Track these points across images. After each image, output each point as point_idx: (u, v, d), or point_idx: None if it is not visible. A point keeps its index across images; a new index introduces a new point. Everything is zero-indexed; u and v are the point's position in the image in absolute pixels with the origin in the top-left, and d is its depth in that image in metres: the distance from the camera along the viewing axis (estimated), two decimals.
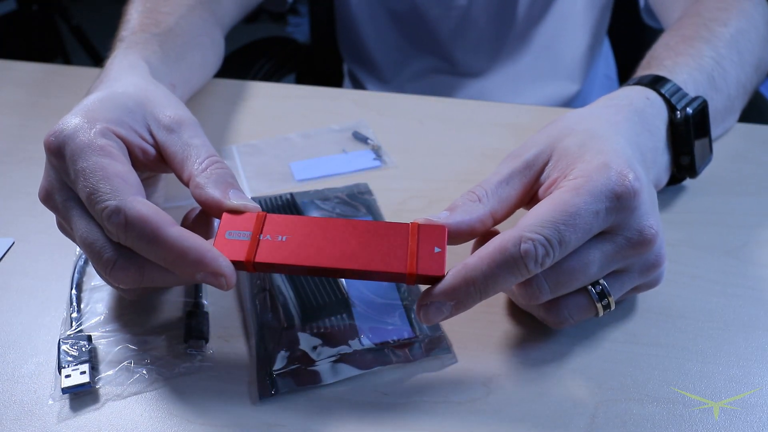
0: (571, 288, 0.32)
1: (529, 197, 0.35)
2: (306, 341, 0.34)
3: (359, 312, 0.36)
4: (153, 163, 0.36)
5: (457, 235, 0.33)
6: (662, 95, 0.42)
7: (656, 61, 0.46)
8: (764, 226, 0.44)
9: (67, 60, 2.04)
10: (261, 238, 0.32)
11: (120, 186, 0.31)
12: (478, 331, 0.36)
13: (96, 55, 1.88)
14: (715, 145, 0.52)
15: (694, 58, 0.46)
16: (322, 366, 0.33)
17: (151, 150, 0.35)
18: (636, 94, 0.41)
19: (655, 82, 0.43)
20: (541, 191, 0.34)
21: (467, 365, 0.34)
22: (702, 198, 0.46)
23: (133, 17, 0.51)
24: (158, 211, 0.30)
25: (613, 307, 0.33)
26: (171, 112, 0.37)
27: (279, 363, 0.33)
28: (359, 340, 0.35)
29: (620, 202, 0.31)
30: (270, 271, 0.32)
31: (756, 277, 0.39)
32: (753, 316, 0.37)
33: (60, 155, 0.32)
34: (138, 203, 0.30)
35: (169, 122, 0.36)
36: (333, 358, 0.34)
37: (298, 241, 0.32)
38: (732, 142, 0.52)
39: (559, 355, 0.34)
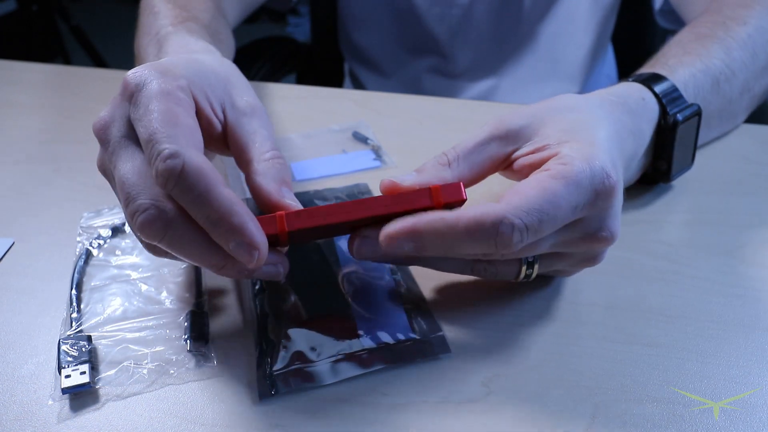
0: (518, 256, 0.33)
1: (503, 166, 0.36)
2: (306, 341, 0.34)
3: (359, 312, 0.36)
4: (213, 139, 0.36)
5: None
6: (657, 96, 0.42)
7: (663, 58, 0.46)
8: (764, 226, 0.44)
9: (67, 60, 2.04)
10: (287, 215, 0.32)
11: (186, 136, 0.30)
12: (478, 331, 0.36)
13: (96, 55, 1.88)
14: (715, 145, 0.52)
15: (703, 59, 0.46)
16: (322, 366, 0.33)
17: (218, 126, 0.35)
18: (633, 93, 0.41)
19: (653, 81, 0.42)
20: (519, 164, 0.34)
21: (467, 365, 0.34)
22: (702, 198, 0.46)
23: (166, 16, 0.50)
24: (214, 169, 0.30)
25: (531, 278, 0.35)
26: (248, 98, 0.37)
27: (279, 363, 0.33)
28: (359, 340, 0.35)
29: (596, 199, 0.31)
30: (304, 238, 0.32)
31: (756, 278, 0.39)
32: (753, 316, 0.37)
33: (137, 91, 0.32)
34: (199, 155, 0.30)
35: (244, 106, 0.36)
36: (333, 359, 0.34)
37: (327, 209, 0.32)
38: (732, 142, 0.52)
39: (559, 356, 0.34)
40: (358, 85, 0.86)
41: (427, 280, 0.39)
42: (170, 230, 0.30)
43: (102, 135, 0.33)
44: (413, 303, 0.37)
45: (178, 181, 0.29)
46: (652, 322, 0.36)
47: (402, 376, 0.33)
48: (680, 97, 0.42)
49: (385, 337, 0.35)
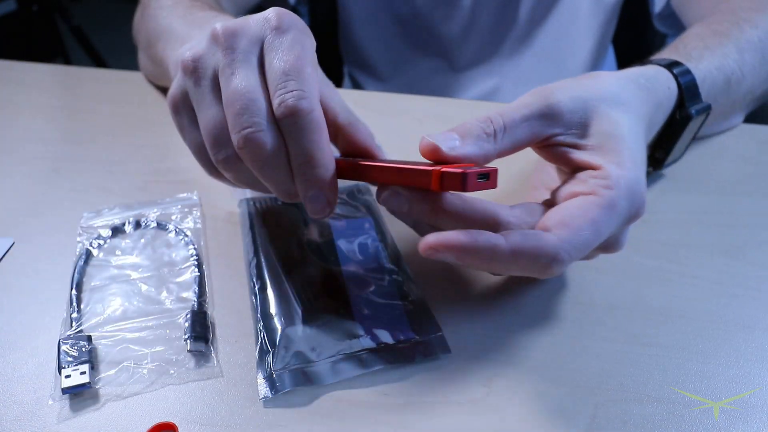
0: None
1: (542, 144, 0.34)
2: (306, 341, 0.34)
3: (359, 312, 0.36)
4: None
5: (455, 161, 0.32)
6: (680, 87, 0.42)
7: (684, 48, 0.46)
8: (764, 226, 0.44)
9: (67, 60, 2.04)
10: None
11: (315, 86, 0.32)
12: (478, 331, 0.36)
13: (96, 55, 1.87)
14: (714, 145, 0.52)
15: (719, 57, 0.46)
16: (322, 366, 0.33)
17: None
18: (662, 81, 0.41)
19: (680, 72, 0.42)
20: (557, 151, 0.34)
21: (467, 365, 0.34)
22: (702, 198, 0.46)
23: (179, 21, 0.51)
24: (325, 123, 0.32)
25: None
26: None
27: (279, 363, 0.33)
28: (359, 340, 0.35)
29: (627, 222, 0.32)
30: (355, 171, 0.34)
31: (756, 278, 0.39)
32: (753, 317, 0.37)
33: (288, 25, 0.32)
34: (319, 106, 0.31)
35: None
36: (333, 359, 0.34)
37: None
38: (732, 142, 0.52)
39: (559, 355, 0.34)
40: (357, 87, 0.86)
41: (428, 280, 0.39)
42: (268, 157, 0.31)
43: (230, 38, 0.32)
44: (413, 303, 0.37)
45: (298, 121, 0.30)
46: (652, 322, 0.36)
47: (402, 376, 0.33)
48: (698, 93, 0.43)
49: (385, 337, 0.35)
